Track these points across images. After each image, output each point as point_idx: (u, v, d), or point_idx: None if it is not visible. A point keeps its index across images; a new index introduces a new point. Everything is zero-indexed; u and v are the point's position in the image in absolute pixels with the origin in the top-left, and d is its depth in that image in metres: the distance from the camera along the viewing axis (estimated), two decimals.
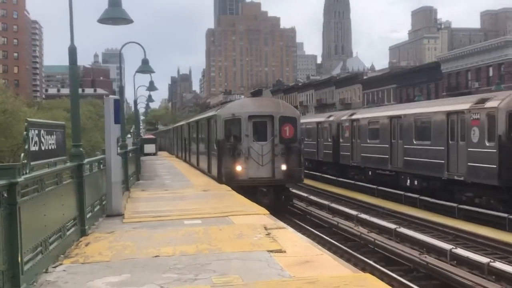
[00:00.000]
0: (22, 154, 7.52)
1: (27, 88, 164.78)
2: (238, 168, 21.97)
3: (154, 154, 56.27)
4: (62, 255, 9.14)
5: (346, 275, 7.51)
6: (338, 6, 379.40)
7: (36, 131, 8.22)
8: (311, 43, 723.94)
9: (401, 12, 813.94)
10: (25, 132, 7.79)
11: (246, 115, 22.37)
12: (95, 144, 77.19)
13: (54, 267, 8.42)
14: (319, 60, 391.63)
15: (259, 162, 22.12)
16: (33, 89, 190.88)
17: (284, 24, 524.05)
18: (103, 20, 12.16)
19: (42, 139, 8.48)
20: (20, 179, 6.76)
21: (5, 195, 6.51)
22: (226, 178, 21.85)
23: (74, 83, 11.75)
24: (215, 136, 22.98)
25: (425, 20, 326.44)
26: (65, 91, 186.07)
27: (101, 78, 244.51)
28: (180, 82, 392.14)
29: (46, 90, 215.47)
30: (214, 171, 23.53)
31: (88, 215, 11.59)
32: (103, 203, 13.93)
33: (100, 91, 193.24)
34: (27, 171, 7.52)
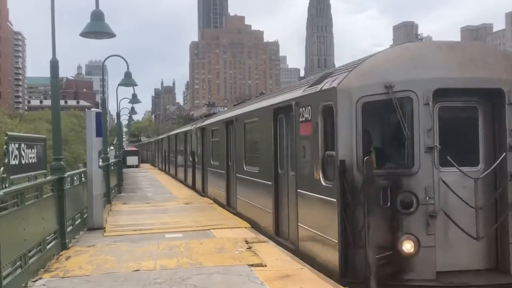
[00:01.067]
0: (2, 168, 7.49)
1: (10, 100, 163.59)
2: (407, 247, 7.91)
3: (137, 166, 56.12)
4: (42, 269, 9.08)
5: None
6: (321, 20, 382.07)
7: (16, 145, 8.21)
8: (294, 56, 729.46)
9: (383, 27, 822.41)
10: (5, 146, 7.76)
11: (428, 89, 8.17)
12: (78, 156, 76.93)
13: (34, 281, 8.36)
14: (302, 73, 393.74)
15: (468, 231, 7.95)
16: (16, 100, 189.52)
17: (268, 37, 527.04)
18: (86, 34, 12.19)
19: (22, 153, 8.46)
20: (0, 193, 6.74)
21: None
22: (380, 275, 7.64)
23: (56, 96, 11.72)
24: (324, 150, 8.98)
25: (406, 34, 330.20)
26: (48, 102, 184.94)
27: (84, 90, 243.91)
28: (163, 94, 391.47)
29: (29, 102, 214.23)
30: (320, 253, 9.19)
31: (69, 229, 11.53)
32: (84, 216, 13.88)
33: (83, 103, 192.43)
34: (7, 185, 7.49)
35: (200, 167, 23.05)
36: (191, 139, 26.32)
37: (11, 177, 7.75)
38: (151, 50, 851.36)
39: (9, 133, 8.14)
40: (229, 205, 17.27)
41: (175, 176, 34.59)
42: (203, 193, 22.38)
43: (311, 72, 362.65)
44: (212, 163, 20.21)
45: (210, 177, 20.79)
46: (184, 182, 29.26)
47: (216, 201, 19.31)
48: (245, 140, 15.14)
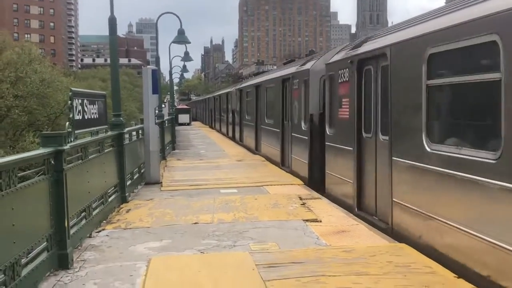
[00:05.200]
0: (67, 123, 7.75)
1: (63, 58, 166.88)
2: None
3: (188, 124, 56.74)
4: (104, 221, 9.45)
5: (382, 245, 7.61)
6: None
7: (80, 101, 8.45)
8: (346, 12, 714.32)
9: None
10: (69, 102, 8.01)
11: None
12: (130, 113, 78.47)
13: (97, 232, 8.73)
14: (353, 30, 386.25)
15: None
16: (69, 58, 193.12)
17: None
18: None
19: (85, 108, 8.71)
20: (66, 147, 6.98)
21: (52, 162, 6.75)
22: None
23: (114, 54, 11.95)
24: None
25: None
26: (100, 60, 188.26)
27: (135, 48, 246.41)
28: (212, 53, 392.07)
29: (82, 60, 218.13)
30: None
31: (128, 183, 11.90)
32: (142, 171, 14.26)
33: (134, 61, 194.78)
34: (72, 139, 7.76)
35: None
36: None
37: (76, 131, 8.01)
38: (199, 8, 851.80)
39: (73, 88, 8.38)
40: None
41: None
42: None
43: (363, 28, 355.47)
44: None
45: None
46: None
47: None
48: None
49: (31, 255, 6.19)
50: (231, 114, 31.84)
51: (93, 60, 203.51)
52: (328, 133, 11.68)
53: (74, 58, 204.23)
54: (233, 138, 30.50)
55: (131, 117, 74.40)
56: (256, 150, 22.32)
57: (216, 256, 7.27)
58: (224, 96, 36.92)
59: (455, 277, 6.10)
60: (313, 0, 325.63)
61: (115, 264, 7.00)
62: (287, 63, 21.48)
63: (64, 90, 46.95)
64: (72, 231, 7.39)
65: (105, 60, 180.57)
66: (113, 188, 10.66)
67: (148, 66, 15.01)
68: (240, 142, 27.47)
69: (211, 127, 48.58)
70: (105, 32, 12.40)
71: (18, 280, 5.50)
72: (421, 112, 7.26)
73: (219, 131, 39.77)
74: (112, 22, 11.52)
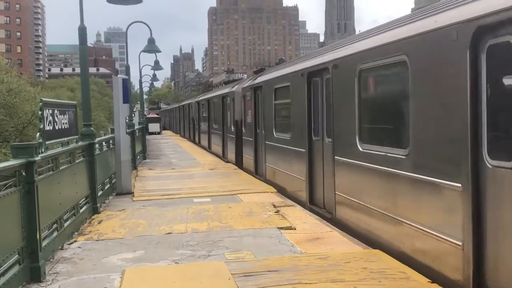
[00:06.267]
0: (38, 134, 7.64)
1: (30, 68, 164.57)
2: None
3: (159, 133, 56.43)
4: (76, 233, 9.32)
5: (356, 251, 7.65)
6: None
7: (50, 111, 8.33)
8: (314, 21, 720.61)
9: None
10: (40, 112, 7.90)
11: None
12: (98, 123, 77.69)
13: (69, 244, 8.59)
14: (321, 39, 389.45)
15: None
16: (36, 68, 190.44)
17: (287, 2, 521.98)
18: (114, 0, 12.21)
19: (56, 119, 8.60)
20: (38, 158, 6.88)
21: (23, 173, 6.63)
22: None
23: (84, 63, 11.83)
24: None
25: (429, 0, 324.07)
26: (68, 70, 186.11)
27: (104, 57, 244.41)
28: (182, 61, 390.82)
29: (49, 70, 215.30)
30: None
31: (99, 193, 11.77)
32: (113, 181, 14.11)
33: (103, 70, 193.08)
34: (43, 150, 7.65)
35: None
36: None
37: (46, 142, 7.90)
38: (168, 16, 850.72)
39: (43, 99, 8.26)
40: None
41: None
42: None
43: (331, 37, 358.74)
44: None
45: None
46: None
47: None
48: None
49: (3, 268, 6.07)
50: (233, 127, 20.44)
51: (61, 69, 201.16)
52: None
53: (41, 67, 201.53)
54: (239, 164, 19.56)
55: (100, 126, 73.68)
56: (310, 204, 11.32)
57: (191, 266, 7.21)
58: (218, 99, 24.49)
59: (429, 281, 6.16)
60: (282, 9, 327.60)
61: (89, 276, 6.89)
62: (257, 72, 20.70)
63: (32, 100, 46.31)
64: (44, 244, 7.26)
65: (73, 69, 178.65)
66: (84, 199, 10.53)
67: (118, 76, 14.87)
68: (256, 175, 16.65)
69: (184, 137, 46.05)
70: (73, 41, 12.30)
71: None
72: None
73: (208, 149, 28.62)
74: (82, 32, 11.41)
